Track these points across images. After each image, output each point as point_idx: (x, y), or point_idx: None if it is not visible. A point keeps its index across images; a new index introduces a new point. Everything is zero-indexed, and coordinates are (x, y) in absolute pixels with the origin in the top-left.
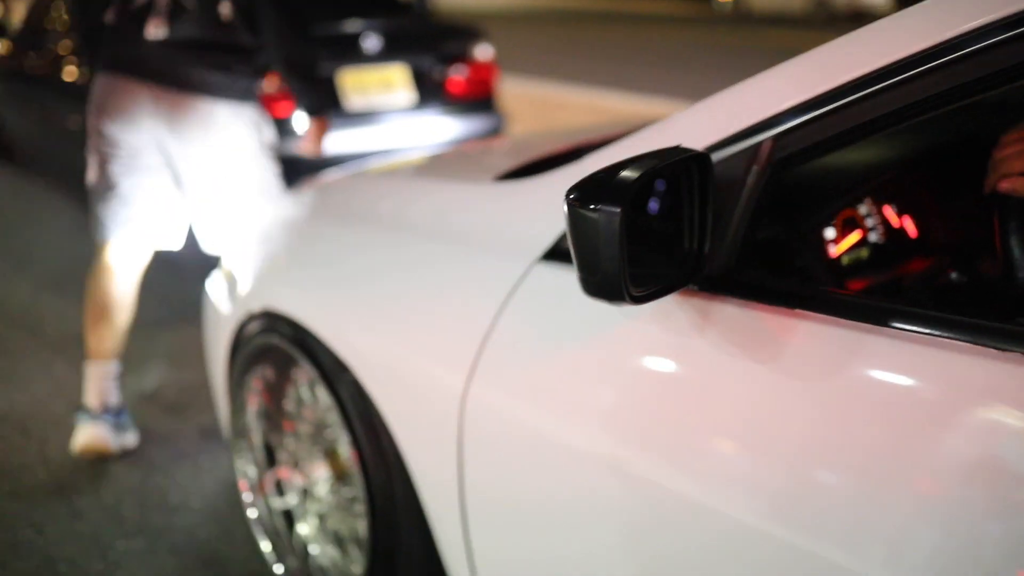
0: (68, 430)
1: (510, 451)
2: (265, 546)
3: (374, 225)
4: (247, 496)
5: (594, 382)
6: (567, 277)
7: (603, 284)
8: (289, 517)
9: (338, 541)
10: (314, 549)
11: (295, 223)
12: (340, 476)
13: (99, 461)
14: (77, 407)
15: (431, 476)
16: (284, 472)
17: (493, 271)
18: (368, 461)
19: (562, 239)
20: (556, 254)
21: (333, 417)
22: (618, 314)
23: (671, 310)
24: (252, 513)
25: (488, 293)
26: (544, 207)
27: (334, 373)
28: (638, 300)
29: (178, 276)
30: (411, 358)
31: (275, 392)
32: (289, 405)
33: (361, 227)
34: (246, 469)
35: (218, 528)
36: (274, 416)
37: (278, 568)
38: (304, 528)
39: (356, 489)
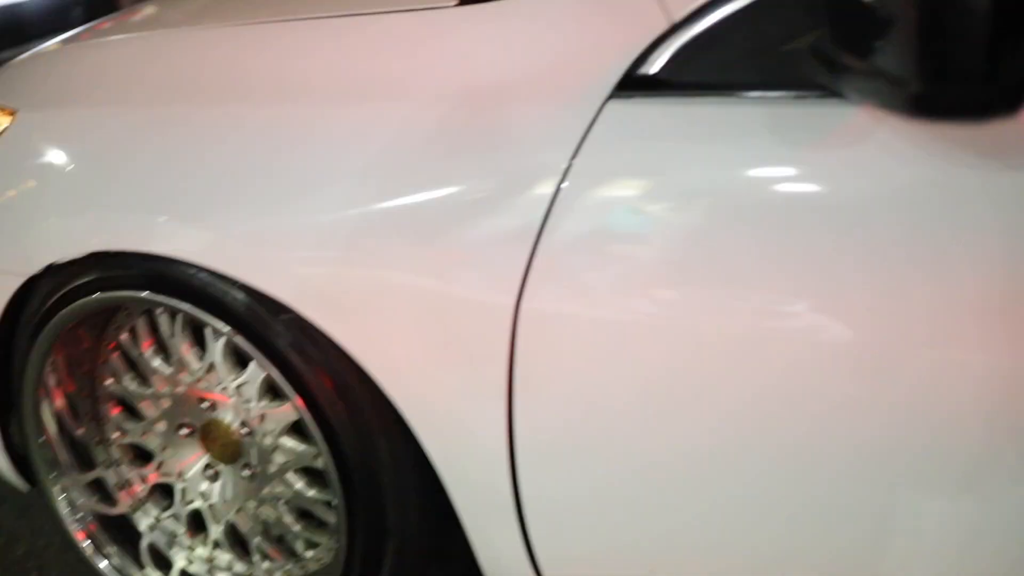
0: None
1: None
2: None
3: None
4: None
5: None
6: (670, 111)
7: (965, 90)
8: (126, 531)
9: (237, 542)
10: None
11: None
12: (229, 455)
13: None
14: None
15: (458, 429)
16: (114, 475)
17: (544, 120)
18: (335, 423)
19: (646, 56)
20: (637, 82)
21: (226, 378)
22: (771, 146)
23: (868, 130)
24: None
25: (544, 151)
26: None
27: (254, 317)
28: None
29: None
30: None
31: (81, 368)
32: (116, 381)
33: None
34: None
35: None
36: (81, 403)
37: None
38: (157, 537)
39: (260, 466)
